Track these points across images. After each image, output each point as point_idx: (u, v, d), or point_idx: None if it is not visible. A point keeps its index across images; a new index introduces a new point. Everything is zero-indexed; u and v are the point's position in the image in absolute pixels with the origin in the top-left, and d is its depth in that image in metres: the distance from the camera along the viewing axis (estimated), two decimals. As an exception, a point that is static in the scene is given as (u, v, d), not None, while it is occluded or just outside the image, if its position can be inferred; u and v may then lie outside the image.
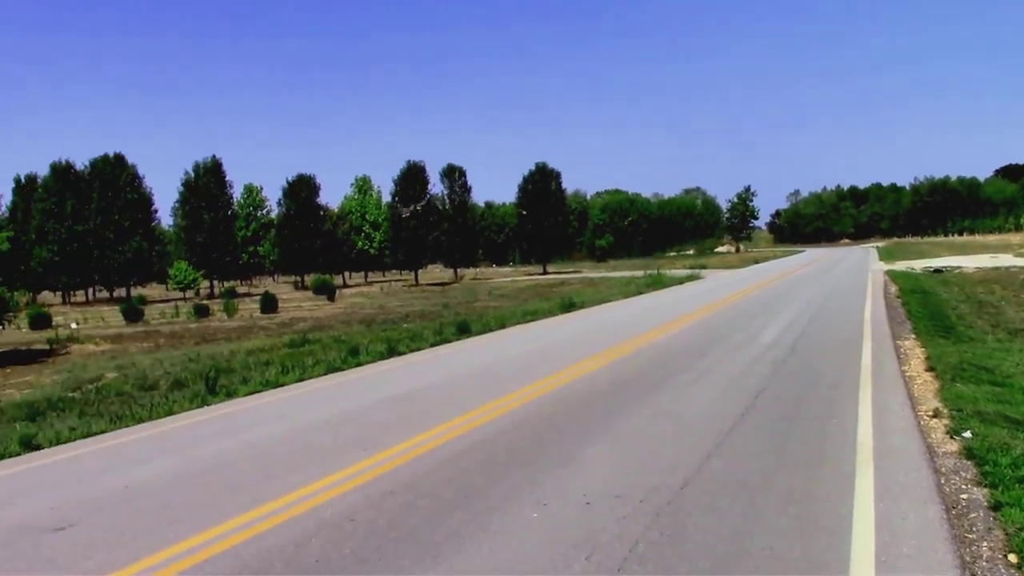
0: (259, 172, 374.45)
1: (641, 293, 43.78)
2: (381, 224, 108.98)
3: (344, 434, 11.35)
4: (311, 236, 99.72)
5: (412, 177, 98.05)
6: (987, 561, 6.18)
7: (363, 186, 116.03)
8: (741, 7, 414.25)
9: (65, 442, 12.15)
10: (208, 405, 14.75)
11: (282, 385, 16.62)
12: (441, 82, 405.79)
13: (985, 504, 7.38)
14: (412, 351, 21.39)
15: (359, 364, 19.21)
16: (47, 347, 33.85)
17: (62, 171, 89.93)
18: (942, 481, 8.04)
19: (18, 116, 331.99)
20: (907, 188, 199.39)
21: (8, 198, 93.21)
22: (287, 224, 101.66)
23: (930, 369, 14.61)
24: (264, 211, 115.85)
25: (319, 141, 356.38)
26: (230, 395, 15.60)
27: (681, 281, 53.55)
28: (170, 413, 14.08)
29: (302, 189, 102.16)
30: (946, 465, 8.61)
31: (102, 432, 12.73)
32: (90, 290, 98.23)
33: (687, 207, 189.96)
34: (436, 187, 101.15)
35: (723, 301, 33.38)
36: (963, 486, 7.92)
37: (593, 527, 6.96)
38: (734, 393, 12.93)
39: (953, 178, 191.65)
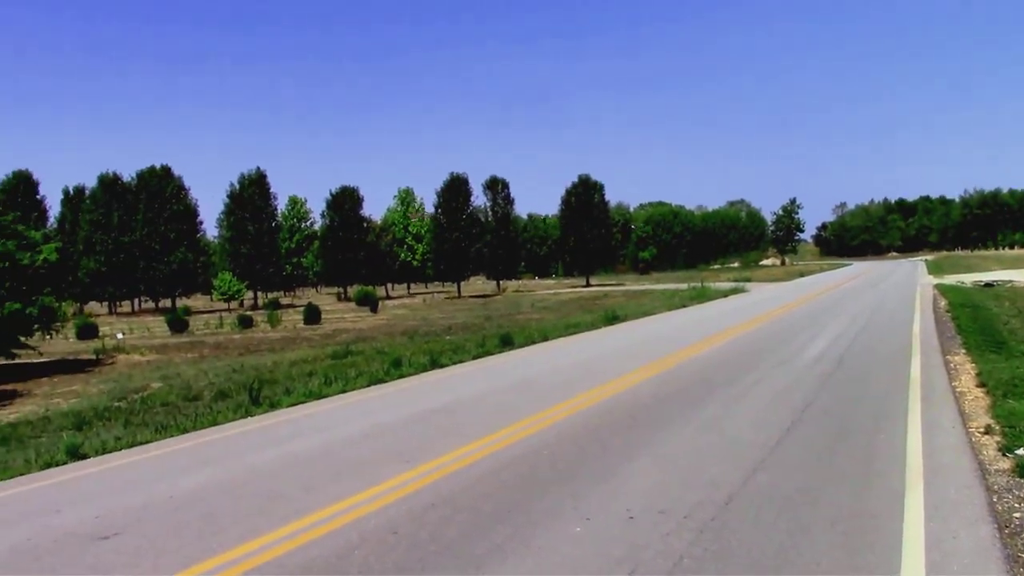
0: (303, 184, 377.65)
1: (685, 306, 43.52)
2: (424, 236, 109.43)
3: (386, 446, 11.36)
4: (354, 248, 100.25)
5: (455, 189, 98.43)
6: (1042, 582, 6.02)
7: (406, 198, 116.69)
8: (786, 19, 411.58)
9: (111, 451, 12.29)
10: (251, 416, 14.85)
11: (325, 396, 16.68)
12: (485, 94, 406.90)
13: (1039, 524, 7.19)
14: (455, 363, 21.38)
15: (402, 376, 19.25)
16: (94, 357, 34.41)
17: (109, 183, 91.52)
18: (994, 499, 7.85)
19: (67, 129, 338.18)
20: (956, 201, 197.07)
21: (57, 209, 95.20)
22: (330, 236, 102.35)
23: (981, 385, 14.29)
24: (308, 223, 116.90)
25: (363, 153, 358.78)
26: (273, 406, 15.69)
27: (725, 294, 53.15)
28: (214, 424, 14.20)
29: (345, 201, 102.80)
30: (998, 483, 8.40)
31: (147, 442, 12.86)
32: (136, 301, 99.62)
33: (731, 219, 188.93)
34: (479, 199, 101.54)
35: (768, 314, 33.06)
36: (1016, 504, 7.72)
37: (636, 543, 6.88)
38: (780, 407, 12.77)
39: (1004, 191, 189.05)
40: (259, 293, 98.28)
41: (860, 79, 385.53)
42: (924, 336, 22.36)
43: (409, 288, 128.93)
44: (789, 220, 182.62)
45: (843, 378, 15.51)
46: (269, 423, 14.06)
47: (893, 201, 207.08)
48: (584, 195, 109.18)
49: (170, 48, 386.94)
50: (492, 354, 23.39)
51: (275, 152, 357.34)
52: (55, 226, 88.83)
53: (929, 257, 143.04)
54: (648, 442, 10.67)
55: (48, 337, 37.98)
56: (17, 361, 32.78)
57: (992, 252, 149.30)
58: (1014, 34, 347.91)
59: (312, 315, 52.48)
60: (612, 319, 34.17)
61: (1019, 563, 6.33)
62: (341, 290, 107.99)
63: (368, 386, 17.95)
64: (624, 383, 16.03)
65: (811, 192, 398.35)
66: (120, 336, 44.93)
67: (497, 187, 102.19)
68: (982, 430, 10.79)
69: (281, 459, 10.91)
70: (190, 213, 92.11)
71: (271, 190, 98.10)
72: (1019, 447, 9.64)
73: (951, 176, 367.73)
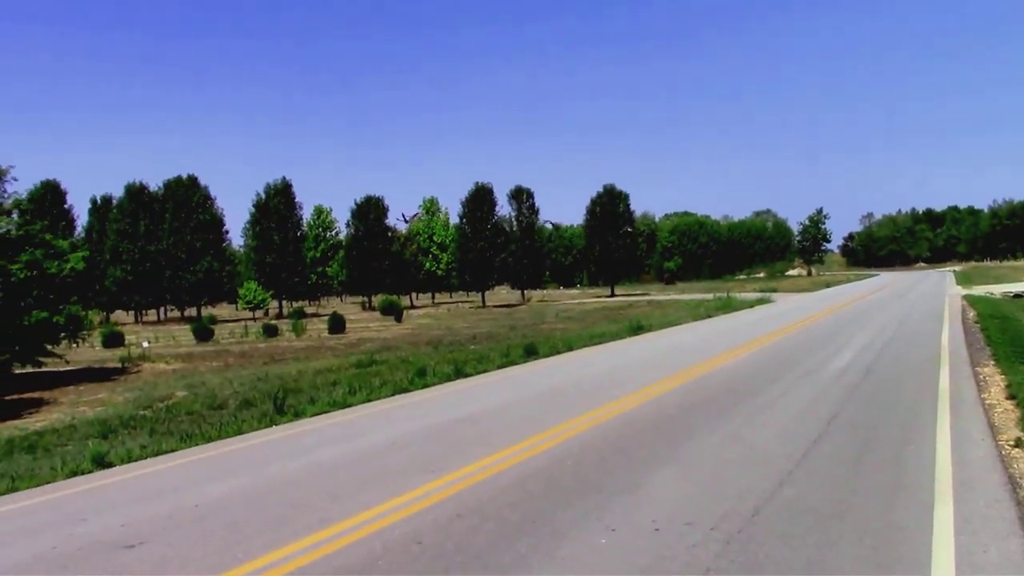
0: (329, 193, 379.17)
1: (710, 316, 43.31)
2: (448, 245, 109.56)
3: (410, 455, 11.35)
4: (379, 257, 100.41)
5: (480, 199, 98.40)
6: (1076, 598, 5.92)
7: (431, 208, 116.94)
8: (814, 30, 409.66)
9: (136, 460, 12.38)
10: (276, 425, 14.91)
11: (349, 406, 16.73)
12: (509, 104, 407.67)
13: (1072, 538, 7.08)
14: (479, 373, 21.39)
15: (426, 385, 19.27)
16: (119, 365, 34.71)
17: (136, 192, 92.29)
18: (1026, 514, 7.75)
19: (95, 139, 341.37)
20: (985, 211, 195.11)
21: (85, 219, 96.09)
22: (355, 245, 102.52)
23: (1011, 397, 14.12)
24: (333, 232, 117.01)
25: (388, 163, 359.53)
26: (298, 415, 15.74)
27: (751, 304, 52.79)
28: (239, 432, 14.27)
29: (370, 210, 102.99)
30: (1030, 497, 8.30)
31: (172, 451, 12.94)
32: (162, 309, 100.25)
33: (757, 230, 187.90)
34: (504, 209, 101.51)
35: (794, 325, 32.85)
36: (1048, 519, 7.61)
37: (662, 554, 6.84)
38: (807, 419, 12.67)
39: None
40: (284, 302, 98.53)
41: (890, 89, 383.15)
42: (953, 347, 22.14)
43: (434, 297, 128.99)
44: (816, 230, 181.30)
45: (870, 389, 15.37)
46: (294, 432, 14.10)
47: (921, 211, 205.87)
48: (609, 205, 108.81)
49: (198, 58, 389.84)
50: (516, 364, 23.37)
51: (301, 162, 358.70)
52: (82, 235, 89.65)
53: (957, 268, 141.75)
54: (674, 454, 10.61)
55: (74, 345, 38.33)
56: (44, 369, 33.08)
57: (1022, 263, 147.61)
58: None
59: (337, 324, 52.61)
60: (637, 329, 34.05)
61: (1052, 578, 6.24)
62: (366, 299, 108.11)
63: (392, 395, 17.98)
64: (649, 393, 15.96)
65: (838, 202, 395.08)
66: (146, 345, 45.24)
67: (522, 197, 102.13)
68: (1012, 443, 10.65)
69: (306, 468, 10.93)
70: (216, 222, 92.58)
71: (296, 200, 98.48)
72: (1051, 460, 9.51)
73: (980, 186, 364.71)
